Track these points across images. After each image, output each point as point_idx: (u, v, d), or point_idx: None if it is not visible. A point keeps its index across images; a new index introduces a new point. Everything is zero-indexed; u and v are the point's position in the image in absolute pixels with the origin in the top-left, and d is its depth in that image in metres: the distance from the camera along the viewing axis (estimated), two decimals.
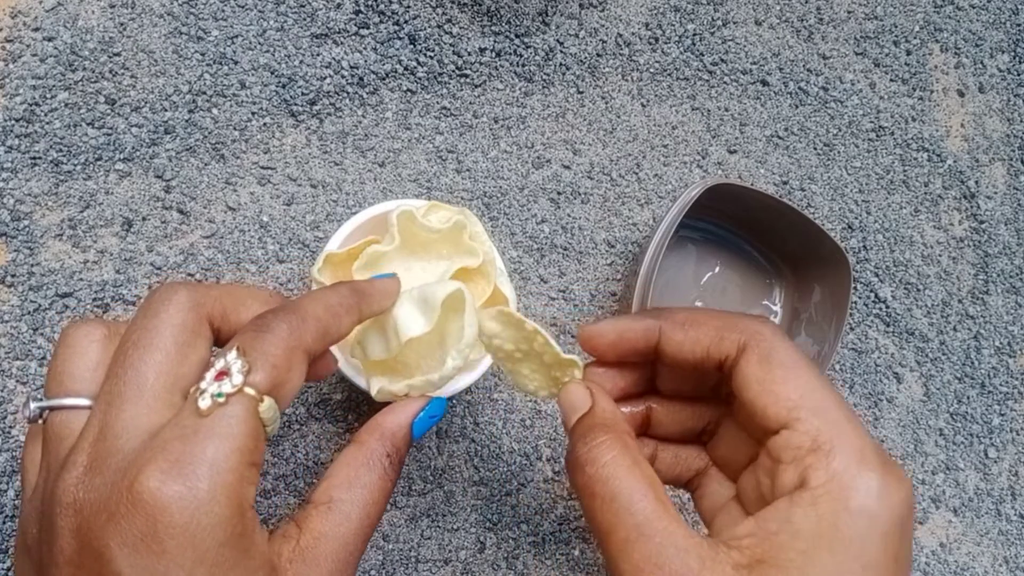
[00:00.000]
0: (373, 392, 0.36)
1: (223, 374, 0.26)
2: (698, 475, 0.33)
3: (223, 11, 0.45)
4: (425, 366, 0.36)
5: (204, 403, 0.25)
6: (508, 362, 0.33)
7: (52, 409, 0.27)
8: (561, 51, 0.48)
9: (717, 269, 0.48)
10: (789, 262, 0.48)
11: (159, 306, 0.27)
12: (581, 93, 0.48)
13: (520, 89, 0.48)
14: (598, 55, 0.49)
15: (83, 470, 0.24)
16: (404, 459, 0.32)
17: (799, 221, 0.44)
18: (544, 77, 0.48)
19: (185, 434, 0.24)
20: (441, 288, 0.33)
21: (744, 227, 0.48)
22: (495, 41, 0.48)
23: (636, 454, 0.28)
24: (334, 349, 0.38)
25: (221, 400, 0.25)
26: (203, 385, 0.26)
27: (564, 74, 0.48)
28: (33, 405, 0.27)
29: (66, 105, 0.43)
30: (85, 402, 0.27)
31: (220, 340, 0.29)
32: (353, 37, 0.46)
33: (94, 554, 0.23)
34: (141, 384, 0.26)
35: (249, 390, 0.25)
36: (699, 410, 0.33)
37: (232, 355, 0.26)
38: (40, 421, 0.27)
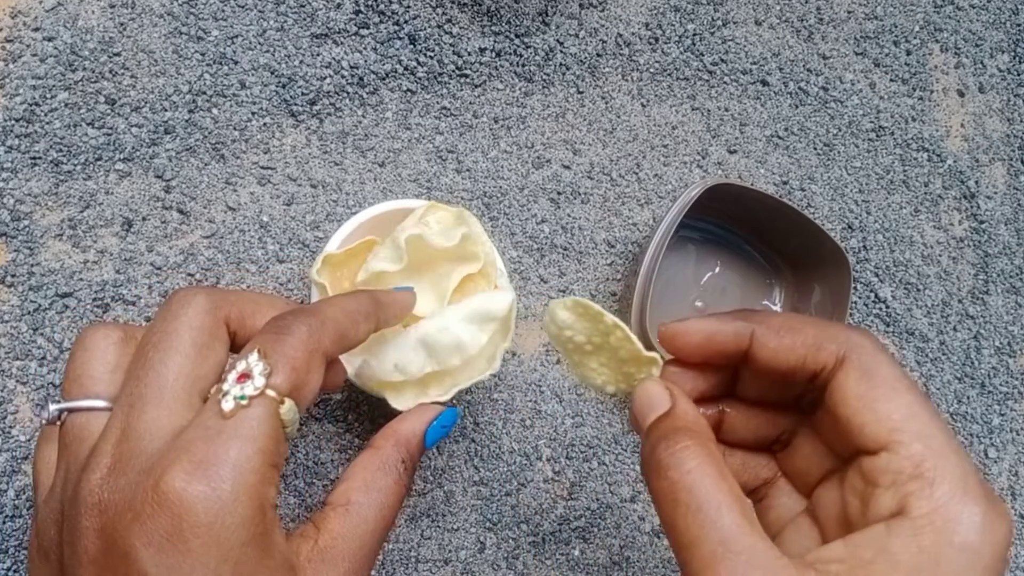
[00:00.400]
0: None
1: (245, 376, 0.26)
2: (765, 484, 0.32)
3: (223, 11, 0.45)
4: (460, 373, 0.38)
5: (227, 405, 0.25)
6: (576, 354, 0.33)
7: (71, 411, 0.27)
8: (561, 51, 0.48)
9: (717, 269, 0.48)
10: (789, 262, 0.48)
11: (178, 309, 0.28)
12: (581, 93, 0.48)
13: (520, 89, 0.48)
14: (598, 55, 0.49)
15: (107, 471, 0.25)
16: (416, 466, 0.33)
17: (799, 221, 0.44)
18: (544, 77, 0.48)
19: (209, 435, 0.25)
20: (498, 301, 0.36)
21: (744, 227, 0.48)
22: (495, 41, 0.48)
23: (722, 464, 0.26)
24: (343, 358, 0.39)
25: (244, 403, 0.25)
26: (225, 387, 0.26)
27: (564, 74, 0.48)
28: (52, 407, 0.27)
29: (66, 105, 0.43)
30: (104, 404, 0.27)
31: (236, 345, 0.29)
32: (353, 37, 0.46)
33: (119, 554, 0.23)
34: (162, 386, 0.26)
35: (271, 392, 0.26)
36: (775, 418, 0.31)
37: (253, 357, 0.26)
38: (58, 423, 0.28)
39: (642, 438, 0.29)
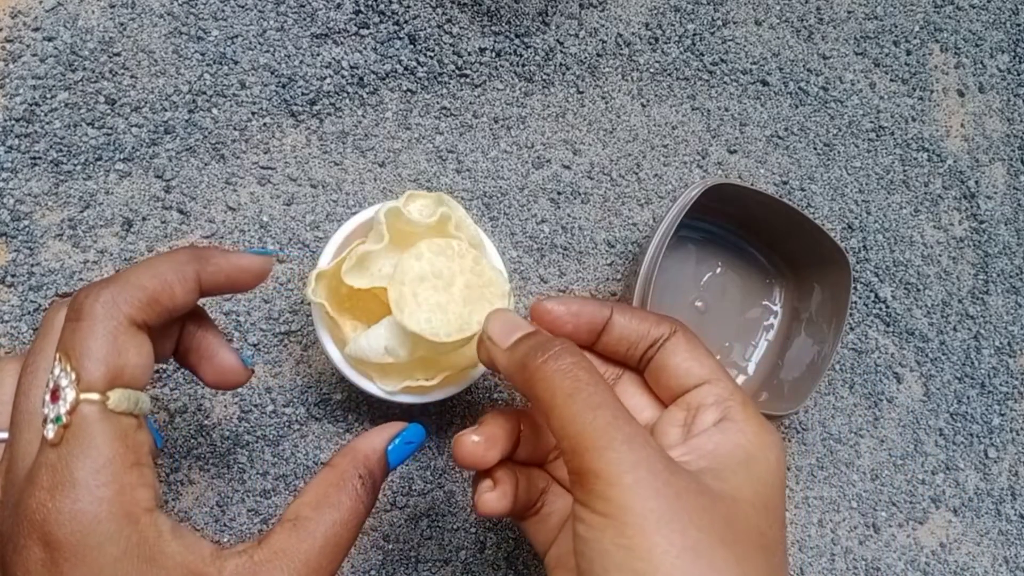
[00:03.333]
0: (339, 351, 0.38)
1: (56, 394, 0.25)
2: (543, 494, 0.36)
3: (223, 11, 0.45)
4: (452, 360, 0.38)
5: (50, 433, 0.24)
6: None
7: None
8: (561, 51, 0.48)
9: (718, 269, 0.48)
10: (789, 262, 0.48)
11: (45, 328, 0.27)
12: (581, 93, 0.48)
13: (520, 89, 0.48)
14: (598, 55, 0.49)
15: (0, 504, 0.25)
16: (380, 484, 0.32)
17: (799, 221, 0.44)
18: (544, 77, 0.48)
19: (50, 462, 0.24)
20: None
21: (744, 227, 0.48)
22: (495, 41, 0.48)
23: (589, 361, 0.31)
24: (331, 348, 0.39)
25: (64, 423, 0.24)
26: (45, 411, 0.25)
27: (564, 74, 0.48)
28: None
29: (66, 105, 0.43)
30: (4, 435, 0.27)
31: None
32: (353, 37, 0.46)
33: None
34: (31, 410, 0.26)
35: (89, 395, 0.25)
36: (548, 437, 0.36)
37: (57, 368, 0.25)
38: None
39: (500, 355, 0.32)
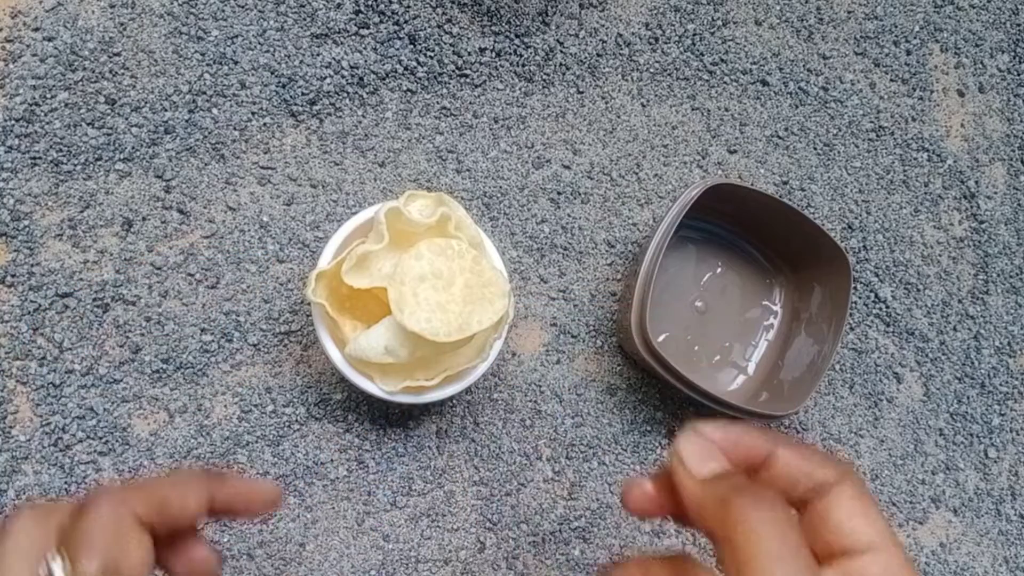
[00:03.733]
0: (339, 351, 0.38)
1: None
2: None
3: (223, 11, 0.45)
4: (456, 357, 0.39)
5: None
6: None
7: None
8: (561, 51, 0.48)
9: (718, 269, 0.48)
10: (789, 262, 0.48)
11: (2, 539, 0.25)
12: (581, 93, 0.48)
13: (520, 89, 0.48)
14: (598, 55, 0.49)
15: None
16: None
17: (799, 221, 0.44)
18: (544, 77, 0.48)
19: None
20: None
21: (744, 227, 0.48)
22: (495, 41, 0.48)
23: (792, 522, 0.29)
24: (331, 348, 0.39)
25: None
26: None
27: (564, 74, 0.48)
28: None
29: (66, 105, 0.43)
30: None
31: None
32: (353, 37, 0.46)
33: None
34: None
35: None
36: None
37: (51, 556, 0.24)
38: None
39: (691, 483, 0.30)
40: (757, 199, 0.44)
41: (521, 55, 0.48)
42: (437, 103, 0.47)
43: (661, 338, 0.47)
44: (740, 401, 0.43)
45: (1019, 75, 0.54)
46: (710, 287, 0.48)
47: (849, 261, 0.44)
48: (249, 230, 0.44)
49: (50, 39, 0.43)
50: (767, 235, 0.47)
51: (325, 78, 0.46)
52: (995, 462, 0.51)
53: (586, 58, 0.49)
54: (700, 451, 0.31)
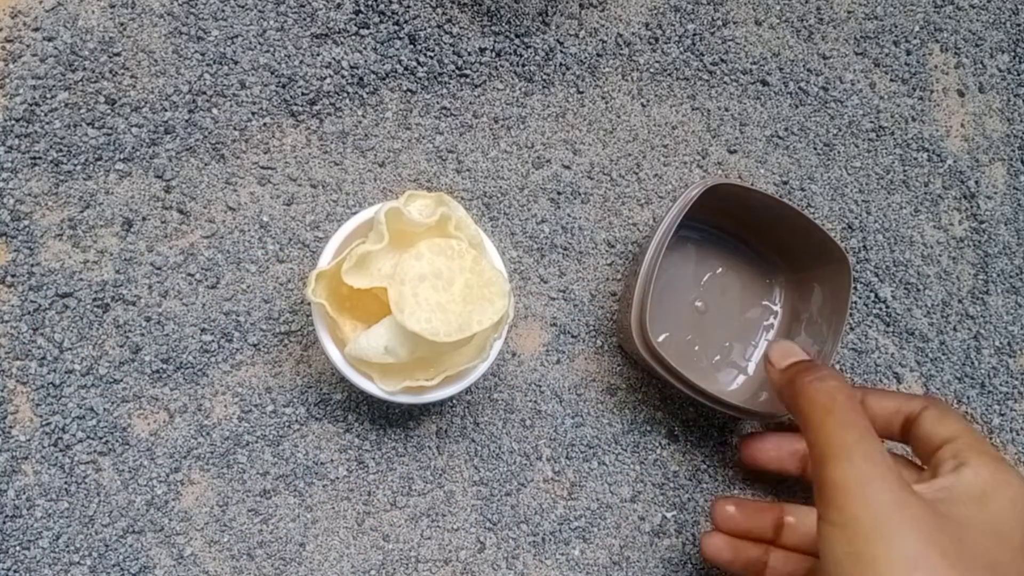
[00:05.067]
0: (339, 351, 0.39)
1: None
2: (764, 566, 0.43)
3: (223, 11, 0.45)
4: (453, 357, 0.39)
5: None
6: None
7: None
8: (561, 51, 0.48)
9: (718, 270, 0.48)
10: (789, 262, 0.48)
11: None
12: (581, 93, 0.48)
13: (520, 89, 0.48)
14: (598, 55, 0.49)
15: None
16: None
17: (799, 221, 0.44)
18: (544, 77, 0.48)
19: None
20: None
21: (744, 227, 0.48)
22: (495, 41, 0.48)
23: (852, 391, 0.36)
24: (331, 348, 0.39)
25: None
26: None
27: (564, 74, 0.48)
28: None
29: (66, 105, 0.43)
30: None
31: None
32: (353, 37, 0.46)
33: None
34: None
35: None
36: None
37: None
38: None
39: (775, 373, 0.39)
40: (757, 199, 0.44)
41: (521, 55, 0.48)
42: (437, 103, 0.47)
43: (661, 338, 0.47)
44: (740, 401, 0.43)
45: (1019, 75, 0.54)
46: (710, 287, 0.48)
47: (849, 261, 0.44)
48: (249, 230, 0.44)
49: (50, 39, 0.43)
50: (767, 235, 0.47)
51: (325, 78, 0.46)
52: None
53: (586, 58, 0.49)
54: (782, 350, 0.40)
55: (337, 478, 0.44)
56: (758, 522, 0.42)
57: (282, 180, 0.45)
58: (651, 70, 0.49)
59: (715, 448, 0.48)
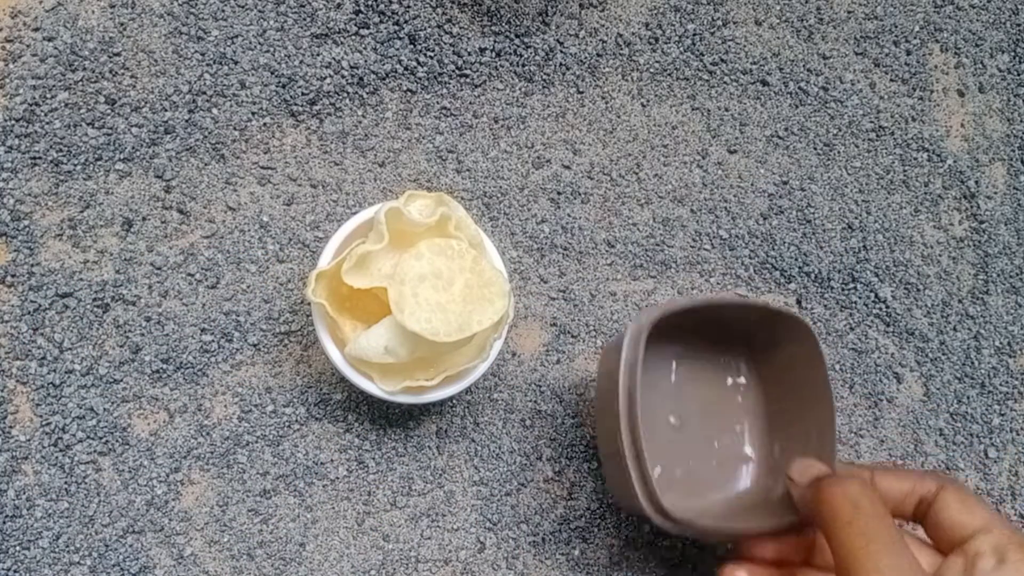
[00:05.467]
0: (339, 352, 0.38)
1: None
2: None
3: (223, 11, 0.45)
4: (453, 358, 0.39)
5: None
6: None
7: None
8: (561, 51, 0.48)
9: (674, 372, 0.44)
10: (748, 344, 0.45)
11: None
12: (581, 93, 0.48)
13: (520, 89, 0.48)
14: (598, 55, 0.49)
15: None
16: None
17: (750, 306, 0.40)
18: (544, 77, 0.48)
19: None
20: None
21: (694, 330, 0.44)
22: (495, 41, 0.48)
23: (879, 499, 0.35)
24: (331, 348, 0.39)
25: None
26: None
27: (564, 74, 0.48)
28: None
29: (66, 105, 0.43)
30: None
31: None
32: (353, 37, 0.46)
33: None
34: None
35: None
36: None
37: None
38: None
39: (798, 490, 0.37)
40: (699, 311, 0.40)
41: (521, 55, 0.48)
42: (437, 103, 0.47)
43: (656, 474, 0.42)
44: (759, 496, 0.41)
45: (1019, 75, 0.54)
46: (674, 395, 0.44)
47: (807, 324, 0.40)
48: (249, 230, 0.44)
49: (50, 39, 0.43)
50: (719, 329, 0.44)
51: (325, 78, 0.46)
52: (995, 462, 0.51)
53: (586, 58, 0.49)
54: (802, 466, 0.38)
55: (337, 478, 0.44)
56: None
57: (282, 180, 0.45)
58: (651, 70, 0.49)
59: None
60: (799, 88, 0.51)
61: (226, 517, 0.43)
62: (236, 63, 0.45)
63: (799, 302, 0.50)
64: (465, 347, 0.38)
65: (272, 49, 0.45)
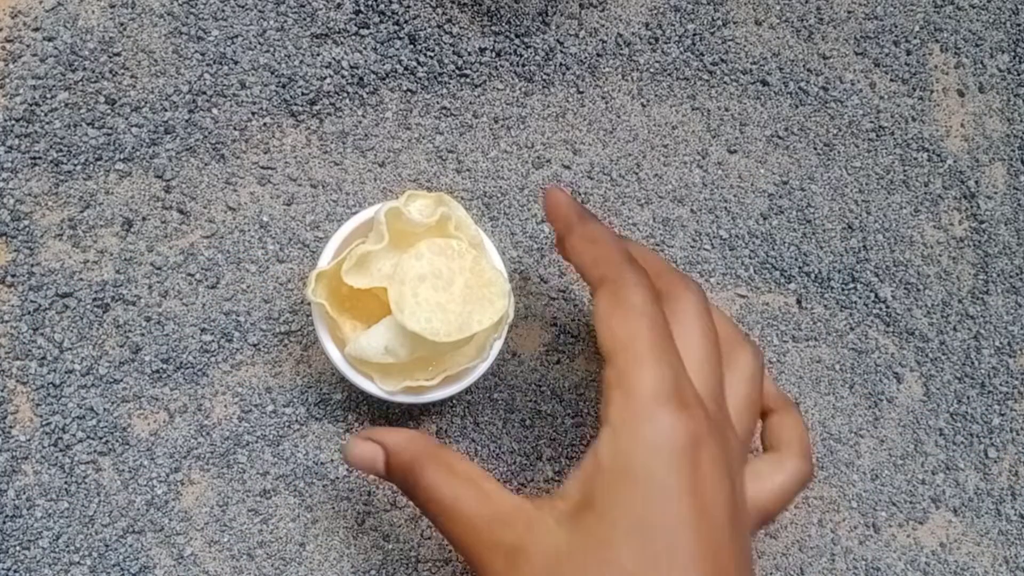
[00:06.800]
0: (339, 352, 0.38)
1: None
2: None
3: (223, 11, 0.45)
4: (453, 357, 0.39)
5: None
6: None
7: None
8: (561, 51, 0.48)
9: None
10: None
11: None
12: (581, 93, 0.49)
13: (520, 89, 0.48)
14: (598, 55, 0.49)
15: None
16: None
17: None
18: (544, 77, 0.48)
19: None
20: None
21: None
22: (495, 41, 0.48)
23: (446, 459, 0.32)
24: (331, 348, 0.39)
25: None
26: None
27: (564, 74, 0.48)
28: None
29: (66, 105, 0.43)
30: None
31: None
32: (353, 37, 0.46)
33: None
34: None
35: None
36: None
37: None
38: None
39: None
40: None
41: (521, 55, 0.48)
42: (437, 103, 0.47)
43: None
44: None
45: (1019, 75, 0.54)
46: None
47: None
48: (249, 230, 0.44)
49: (50, 39, 0.43)
50: None
51: (325, 78, 0.46)
52: (995, 462, 0.51)
53: (586, 58, 0.49)
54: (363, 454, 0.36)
55: (337, 478, 0.44)
56: None
57: (282, 180, 0.45)
58: (651, 70, 0.49)
59: None
60: (799, 88, 0.51)
61: (226, 517, 0.43)
62: (236, 63, 0.45)
63: (799, 302, 0.50)
64: (465, 347, 0.38)
65: (272, 49, 0.45)
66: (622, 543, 0.27)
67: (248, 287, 0.44)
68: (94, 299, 0.42)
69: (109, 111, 0.43)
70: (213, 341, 0.43)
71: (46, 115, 0.43)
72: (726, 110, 0.50)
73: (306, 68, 0.45)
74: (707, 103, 0.50)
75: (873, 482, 0.49)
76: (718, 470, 0.28)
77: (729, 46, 0.51)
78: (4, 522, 0.41)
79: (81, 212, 0.43)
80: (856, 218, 0.51)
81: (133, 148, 0.44)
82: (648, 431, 0.27)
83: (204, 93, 0.44)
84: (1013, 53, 0.54)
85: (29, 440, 0.41)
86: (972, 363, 0.51)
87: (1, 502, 0.41)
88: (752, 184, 0.50)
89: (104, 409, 0.42)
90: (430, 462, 0.33)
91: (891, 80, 0.52)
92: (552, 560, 0.28)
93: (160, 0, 0.44)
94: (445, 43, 0.47)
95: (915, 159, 0.52)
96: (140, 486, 0.42)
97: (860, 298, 0.50)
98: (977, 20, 0.54)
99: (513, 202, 0.47)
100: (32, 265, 0.42)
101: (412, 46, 0.47)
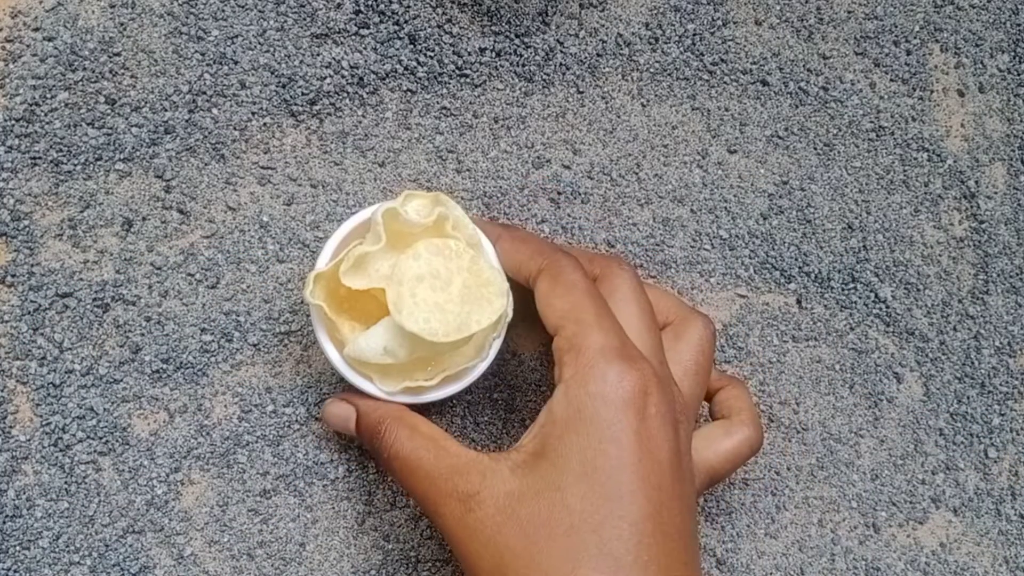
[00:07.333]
0: (338, 353, 0.39)
1: None
2: None
3: (223, 11, 0.45)
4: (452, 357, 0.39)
5: None
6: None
7: None
8: (561, 51, 0.48)
9: None
10: None
11: None
12: (581, 93, 0.49)
13: (520, 89, 0.48)
14: (598, 55, 0.49)
15: None
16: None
17: None
18: (544, 77, 0.48)
19: None
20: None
21: None
22: (495, 41, 0.48)
23: (410, 421, 0.36)
24: (329, 349, 0.39)
25: None
26: None
27: (564, 74, 0.48)
28: None
29: (66, 105, 0.43)
30: None
31: None
32: (353, 37, 0.46)
33: None
34: None
35: None
36: None
37: None
38: None
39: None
40: None
41: (521, 55, 0.48)
42: (437, 103, 0.47)
43: None
44: None
45: (1019, 75, 0.54)
46: None
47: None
48: (249, 230, 0.44)
49: (50, 39, 0.43)
50: None
51: (325, 78, 0.46)
52: (995, 462, 0.51)
53: (586, 58, 0.49)
54: (337, 412, 0.40)
55: (337, 478, 0.44)
56: None
57: (282, 180, 0.45)
58: (651, 70, 0.49)
59: None
60: (799, 88, 0.51)
61: (226, 517, 0.43)
62: (236, 63, 0.45)
63: (799, 302, 0.50)
64: (464, 347, 0.38)
65: (272, 49, 0.45)
66: (571, 485, 0.29)
67: (248, 287, 0.44)
68: (94, 299, 0.42)
69: (109, 111, 0.43)
70: (213, 341, 0.43)
71: (46, 115, 0.43)
72: (726, 110, 0.50)
73: (306, 68, 0.45)
74: (707, 103, 0.50)
75: (873, 482, 0.49)
76: (662, 418, 0.31)
77: (729, 46, 0.50)
78: (4, 522, 0.41)
79: (81, 212, 0.43)
80: (856, 218, 0.51)
81: (133, 148, 0.44)
82: (598, 382, 0.31)
83: (204, 93, 0.44)
84: (1013, 53, 0.54)
85: (29, 440, 0.41)
86: (972, 363, 0.51)
87: (1, 502, 0.41)
88: (752, 184, 0.50)
89: (104, 409, 0.42)
90: (395, 422, 0.36)
91: (891, 80, 0.52)
92: (503, 502, 0.30)
93: (160, 0, 0.44)
94: (445, 43, 0.47)
95: (915, 159, 0.52)
96: (140, 486, 0.42)
97: (860, 298, 0.50)
98: (977, 20, 0.54)
99: (513, 202, 0.47)
100: (32, 265, 0.42)
101: (412, 46, 0.47)
